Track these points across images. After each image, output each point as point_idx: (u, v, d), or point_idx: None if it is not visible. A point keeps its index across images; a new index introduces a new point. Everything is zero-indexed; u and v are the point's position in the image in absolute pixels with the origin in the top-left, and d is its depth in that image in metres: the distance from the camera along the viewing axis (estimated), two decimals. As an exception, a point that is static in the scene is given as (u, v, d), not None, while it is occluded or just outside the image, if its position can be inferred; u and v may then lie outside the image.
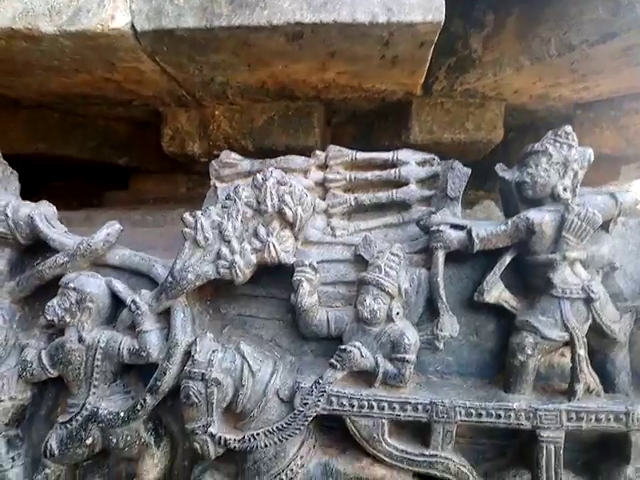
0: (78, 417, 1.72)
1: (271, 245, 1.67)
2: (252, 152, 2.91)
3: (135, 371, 1.86)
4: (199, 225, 1.68)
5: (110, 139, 3.22)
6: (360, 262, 1.84)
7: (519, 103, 2.88)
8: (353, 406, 1.65)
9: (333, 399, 1.66)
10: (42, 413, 1.93)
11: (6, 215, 1.75)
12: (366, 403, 1.65)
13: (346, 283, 1.86)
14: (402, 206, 1.96)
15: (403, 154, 1.97)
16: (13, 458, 1.78)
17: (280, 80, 2.47)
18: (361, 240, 1.84)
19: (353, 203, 1.96)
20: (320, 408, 1.65)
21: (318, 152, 1.99)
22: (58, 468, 1.77)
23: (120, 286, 1.77)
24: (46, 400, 1.92)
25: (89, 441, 1.73)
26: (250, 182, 1.72)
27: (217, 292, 1.93)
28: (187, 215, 1.70)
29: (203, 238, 1.68)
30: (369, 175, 1.98)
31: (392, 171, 1.96)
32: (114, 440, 1.74)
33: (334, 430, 1.78)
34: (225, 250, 1.68)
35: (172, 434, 1.88)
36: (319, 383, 1.65)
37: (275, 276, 1.86)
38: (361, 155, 1.99)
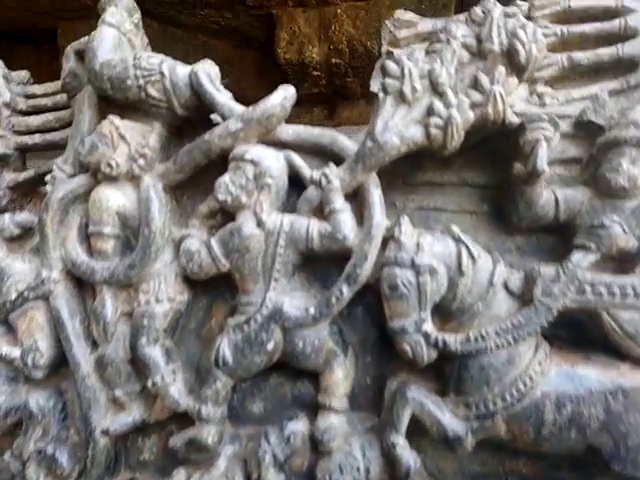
0: (257, 316, 1.41)
1: (497, 96, 1.31)
2: (380, 55, 2.55)
3: (307, 269, 1.52)
4: (406, 72, 1.33)
5: (210, 58, 2.90)
6: (582, 133, 1.46)
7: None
8: (614, 295, 1.28)
9: (587, 287, 1.30)
10: (191, 327, 1.63)
11: (162, 74, 1.44)
12: (631, 291, 1.27)
13: (564, 162, 1.48)
14: (629, 66, 1.56)
15: (630, 0, 1.56)
16: (174, 371, 1.49)
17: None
18: (590, 101, 1.46)
19: (566, 64, 1.57)
20: (569, 299, 1.29)
21: (519, 1, 1.61)
22: (229, 381, 1.46)
23: (301, 161, 1.44)
24: (196, 311, 1.63)
25: (270, 346, 1.42)
26: (465, 18, 1.35)
27: (389, 182, 1.58)
28: (389, 62, 1.35)
29: (411, 89, 1.33)
30: (586, 28, 1.58)
31: (617, 21, 1.56)
32: (300, 344, 1.42)
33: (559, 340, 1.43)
34: (438, 104, 1.33)
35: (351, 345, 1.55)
36: (567, 267, 1.29)
37: (470, 157, 1.51)
38: (576, 3, 1.59)
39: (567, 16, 1.60)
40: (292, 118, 2.61)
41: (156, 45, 2.76)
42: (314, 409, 1.53)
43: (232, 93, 3.17)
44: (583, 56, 1.56)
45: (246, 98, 3.27)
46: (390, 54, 1.66)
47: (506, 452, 1.46)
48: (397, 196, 1.61)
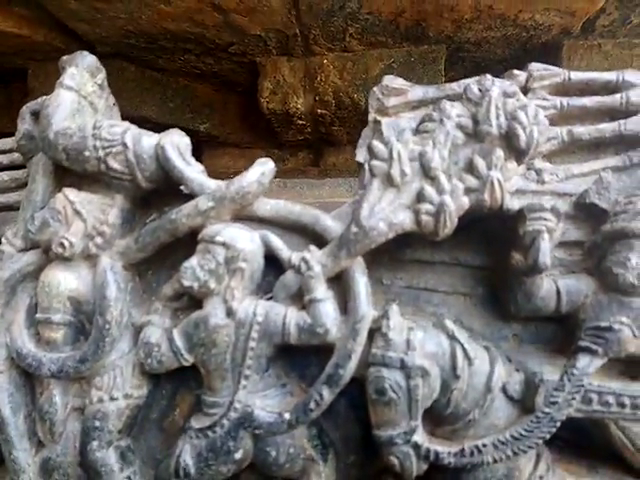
0: (224, 421, 1.25)
1: (495, 182, 1.19)
2: (366, 107, 2.45)
3: (283, 358, 1.37)
4: (395, 155, 1.21)
5: (191, 102, 2.81)
6: (583, 215, 1.36)
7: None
8: (624, 406, 1.16)
9: (593, 396, 1.17)
10: (153, 417, 1.46)
11: (125, 145, 1.30)
12: (643, 403, 1.14)
13: (564, 244, 1.37)
14: (631, 142, 1.47)
15: (631, 75, 1.48)
16: (129, 478, 1.31)
17: (419, 10, 2.01)
18: (593, 184, 1.35)
19: (566, 138, 1.47)
20: (574, 409, 1.15)
21: (516, 71, 1.51)
22: (192, 491, 1.29)
23: (279, 242, 1.30)
24: (158, 400, 1.46)
25: (238, 455, 1.26)
26: (460, 95, 1.24)
27: (375, 258, 1.45)
28: (377, 142, 1.23)
29: (400, 173, 1.21)
30: (587, 101, 1.49)
31: (618, 96, 1.47)
32: (272, 453, 1.26)
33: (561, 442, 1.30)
34: (430, 189, 1.21)
35: (332, 445, 1.39)
36: (573, 374, 1.16)
37: (463, 236, 1.38)
38: (576, 75, 1.51)
39: (566, 88, 1.53)
40: (277, 162, 2.46)
41: (133, 88, 2.65)
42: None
43: (214, 137, 3.06)
44: (584, 131, 1.47)
45: (229, 141, 3.17)
46: (378, 123, 1.55)
47: None
48: (384, 273, 1.49)
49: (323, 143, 2.99)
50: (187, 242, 1.38)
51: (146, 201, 1.49)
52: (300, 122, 2.57)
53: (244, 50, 2.37)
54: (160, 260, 1.46)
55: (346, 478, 1.40)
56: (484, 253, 1.43)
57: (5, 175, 1.67)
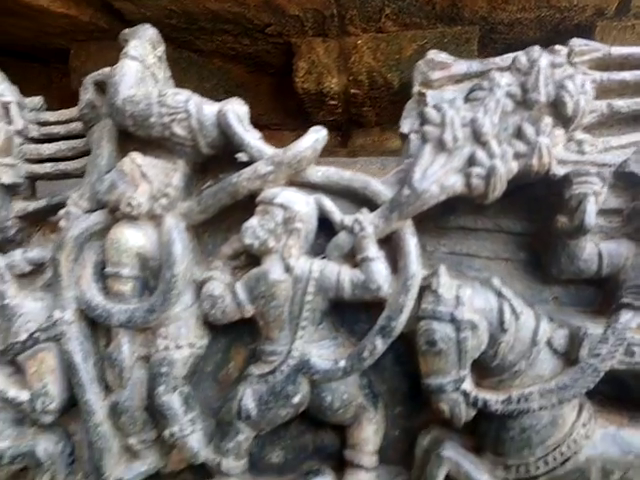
0: (283, 367, 1.34)
1: (543, 147, 1.26)
2: (398, 88, 2.52)
3: (333, 315, 1.45)
4: (448, 120, 1.28)
5: (225, 83, 2.88)
6: (622, 184, 1.42)
7: None
8: (664, 358, 1.22)
9: (636, 349, 1.24)
10: (208, 370, 1.55)
11: (188, 112, 1.38)
12: (683, 355, 1.22)
13: (604, 212, 1.43)
14: (670, 115, 1.52)
15: (672, 48, 1.53)
16: (192, 421, 1.41)
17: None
18: (633, 154, 1.41)
19: (606, 111, 1.53)
20: (617, 361, 1.23)
21: (557, 47, 1.57)
22: (252, 434, 1.38)
23: (332, 205, 1.38)
24: (214, 354, 1.54)
25: (297, 399, 1.35)
26: (509, 66, 1.30)
27: (419, 225, 1.52)
28: (430, 109, 1.30)
29: (452, 138, 1.28)
30: (627, 75, 1.54)
31: (659, 69, 1.52)
32: (328, 398, 1.35)
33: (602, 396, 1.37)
34: (481, 154, 1.28)
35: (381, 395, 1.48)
36: (615, 328, 1.23)
37: (506, 204, 1.45)
38: (616, 50, 1.56)
39: (606, 63, 1.57)
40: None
41: (171, 68, 2.72)
42: (339, 462, 1.47)
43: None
44: (623, 104, 1.52)
45: (260, 123, 3.24)
46: (422, 95, 1.62)
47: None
48: (428, 240, 1.55)
49: (352, 124, 3.06)
50: (242, 206, 1.46)
51: (203, 169, 1.57)
52: (332, 102, 2.64)
53: (280, 31, 2.43)
54: (217, 223, 1.53)
55: (393, 427, 1.49)
56: (527, 220, 1.48)
57: (63, 144, 1.76)
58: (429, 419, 1.45)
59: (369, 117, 2.87)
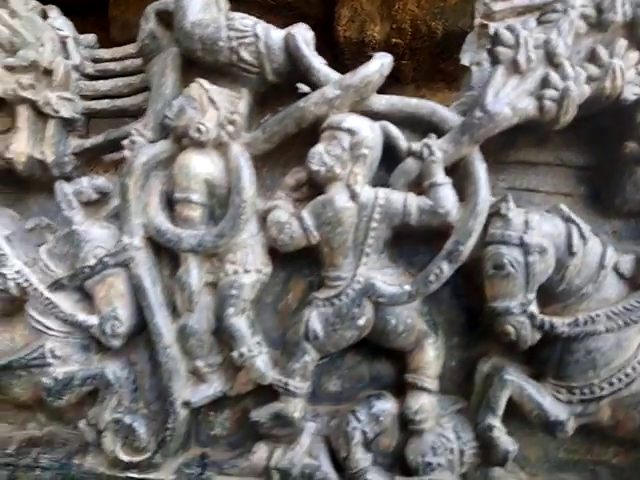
0: (349, 290, 1.36)
1: (617, 69, 1.25)
2: (441, 37, 2.49)
3: (393, 247, 1.47)
4: (522, 41, 1.27)
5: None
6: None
7: None
8: None
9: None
10: (268, 300, 1.59)
11: (256, 36, 1.38)
12: None
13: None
14: None
15: None
16: (259, 343, 1.45)
17: None
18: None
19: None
20: (685, 282, 1.24)
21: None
22: (317, 356, 1.42)
23: (398, 131, 1.39)
24: (273, 285, 1.57)
25: (362, 321, 1.37)
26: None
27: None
28: (503, 30, 1.29)
29: (526, 59, 1.27)
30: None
31: None
32: (392, 322, 1.38)
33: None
34: (554, 76, 1.27)
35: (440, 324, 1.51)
36: (683, 252, 1.24)
37: (569, 134, 1.44)
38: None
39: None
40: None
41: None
42: (396, 390, 1.50)
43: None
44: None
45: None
46: (484, 27, 1.60)
47: (596, 439, 1.42)
48: (487, 175, 1.55)
49: (387, 79, 3.01)
50: (300, 141, 1.46)
51: (262, 101, 1.58)
52: (371, 54, 2.60)
53: (323, -24, 2.40)
54: (275, 157, 1.55)
55: (450, 358, 1.52)
56: (589, 152, 1.48)
57: (119, 81, 1.77)
58: (486, 350, 1.48)
59: (406, 72, 2.83)
